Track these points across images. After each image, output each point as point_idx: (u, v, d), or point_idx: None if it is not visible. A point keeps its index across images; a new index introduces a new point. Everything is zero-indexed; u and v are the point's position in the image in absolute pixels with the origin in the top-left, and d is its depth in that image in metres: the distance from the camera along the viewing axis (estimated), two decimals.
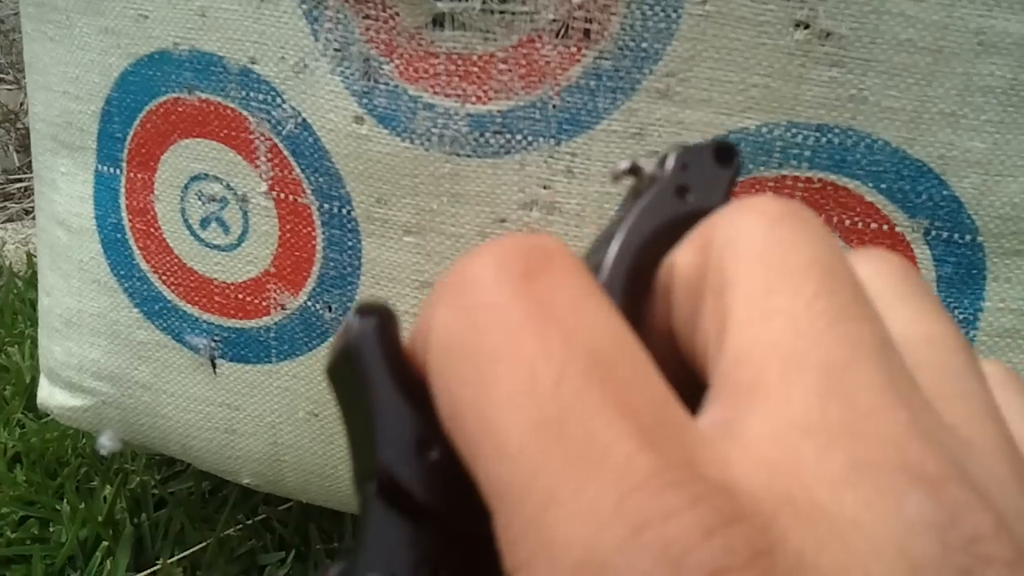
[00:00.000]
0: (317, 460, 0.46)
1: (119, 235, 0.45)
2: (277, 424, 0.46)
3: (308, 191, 0.40)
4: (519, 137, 0.37)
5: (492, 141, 0.37)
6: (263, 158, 0.41)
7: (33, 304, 0.79)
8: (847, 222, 0.36)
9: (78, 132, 0.45)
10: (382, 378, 0.12)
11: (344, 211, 0.40)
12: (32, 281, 0.83)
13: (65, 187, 0.47)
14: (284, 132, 0.40)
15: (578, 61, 0.35)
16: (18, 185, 1.19)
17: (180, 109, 0.42)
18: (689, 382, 0.12)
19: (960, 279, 0.36)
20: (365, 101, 0.38)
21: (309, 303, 0.43)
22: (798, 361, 0.11)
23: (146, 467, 0.61)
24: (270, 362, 0.45)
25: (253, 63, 0.39)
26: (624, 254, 0.14)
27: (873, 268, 0.14)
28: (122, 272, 0.46)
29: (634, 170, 0.15)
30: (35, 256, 0.89)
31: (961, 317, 0.36)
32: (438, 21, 0.36)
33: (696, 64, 0.34)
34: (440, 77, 0.36)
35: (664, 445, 0.10)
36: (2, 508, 0.57)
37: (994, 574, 0.09)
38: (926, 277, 0.36)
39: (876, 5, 0.33)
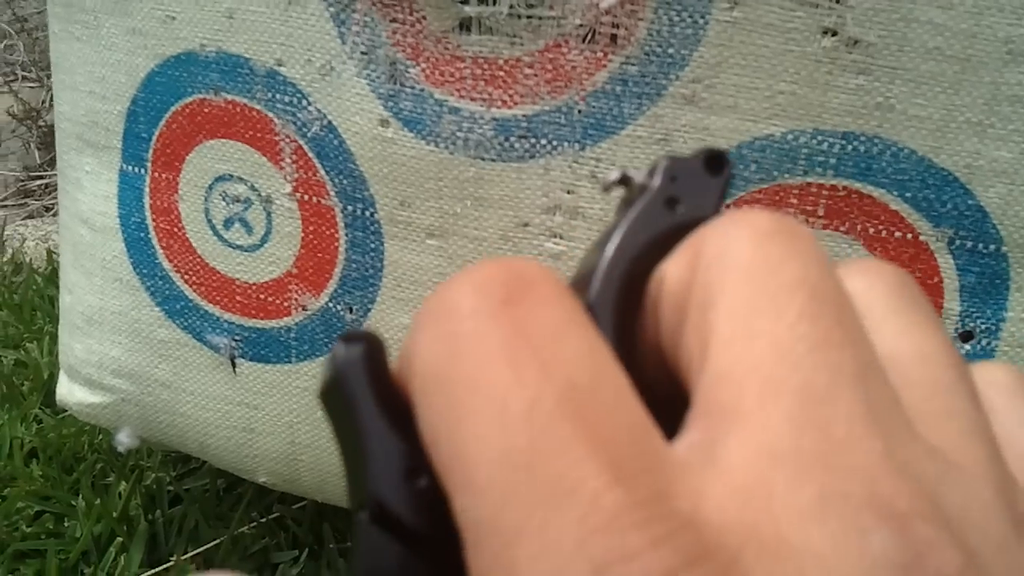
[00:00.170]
0: (334, 460, 0.46)
1: (142, 234, 0.46)
2: (295, 424, 0.46)
3: (332, 193, 0.41)
4: (544, 142, 0.37)
5: (517, 145, 0.37)
6: (288, 160, 0.41)
7: (52, 300, 0.79)
8: (871, 230, 0.35)
9: (104, 131, 0.45)
10: (368, 406, 0.12)
11: (367, 213, 0.40)
12: (51, 278, 0.84)
13: (89, 186, 0.47)
14: (309, 134, 0.40)
15: (604, 66, 0.35)
16: (39, 182, 1.20)
17: (206, 110, 0.42)
18: (678, 395, 0.12)
19: (983, 289, 0.36)
20: (391, 104, 0.38)
21: (330, 304, 0.43)
22: (776, 386, 0.11)
23: (161, 464, 0.62)
24: (290, 362, 0.45)
25: (280, 65, 0.40)
26: (614, 267, 0.13)
27: (867, 281, 0.14)
28: (144, 271, 0.46)
29: (624, 180, 0.15)
30: (55, 253, 0.90)
31: (983, 327, 0.36)
32: (465, 25, 0.36)
33: (723, 70, 0.34)
34: (466, 81, 0.37)
35: (634, 480, 0.10)
36: (18, 503, 0.58)
37: None
38: (949, 287, 0.36)
39: (904, 13, 0.32)
